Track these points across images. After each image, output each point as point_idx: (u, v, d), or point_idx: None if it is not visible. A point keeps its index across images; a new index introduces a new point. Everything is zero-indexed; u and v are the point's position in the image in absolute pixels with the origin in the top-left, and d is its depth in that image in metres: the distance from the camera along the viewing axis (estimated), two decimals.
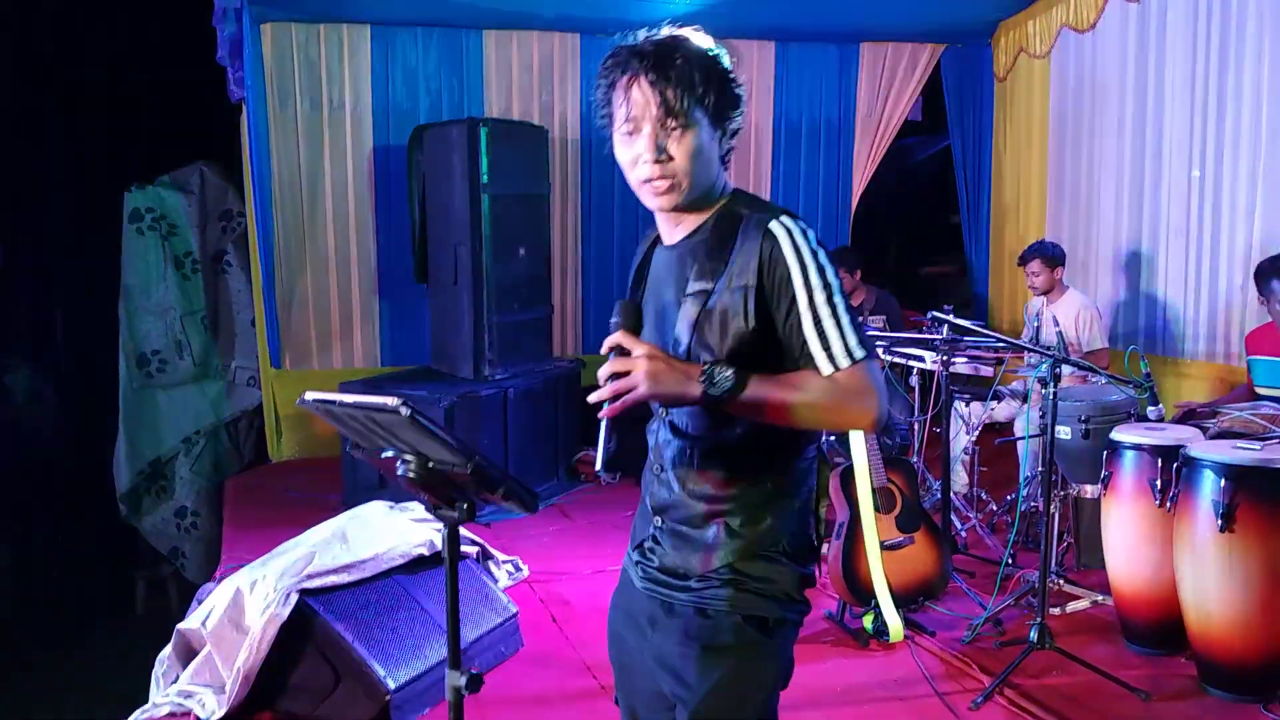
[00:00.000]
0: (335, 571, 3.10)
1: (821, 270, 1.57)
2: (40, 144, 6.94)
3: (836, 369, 1.56)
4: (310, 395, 1.55)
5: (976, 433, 5.01)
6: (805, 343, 1.56)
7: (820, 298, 1.56)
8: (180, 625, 3.16)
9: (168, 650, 3.23)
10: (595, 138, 7.09)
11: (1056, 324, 3.74)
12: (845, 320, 1.57)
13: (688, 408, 1.66)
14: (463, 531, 3.84)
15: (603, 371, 1.53)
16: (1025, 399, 5.18)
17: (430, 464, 1.49)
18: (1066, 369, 3.77)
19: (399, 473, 1.52)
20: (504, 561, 4.32)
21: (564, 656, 3.68)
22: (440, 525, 3.44)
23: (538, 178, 5.97)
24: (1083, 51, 6.59)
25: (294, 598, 2.98)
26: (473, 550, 3.76)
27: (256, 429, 7.44)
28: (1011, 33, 7.30)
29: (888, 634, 3.63)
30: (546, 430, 5.86)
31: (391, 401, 1.38)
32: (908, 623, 3.69)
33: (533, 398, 5.71)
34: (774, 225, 1.59)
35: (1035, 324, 4.45)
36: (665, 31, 1.65)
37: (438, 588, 3.40)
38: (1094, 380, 4.22)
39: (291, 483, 6.18)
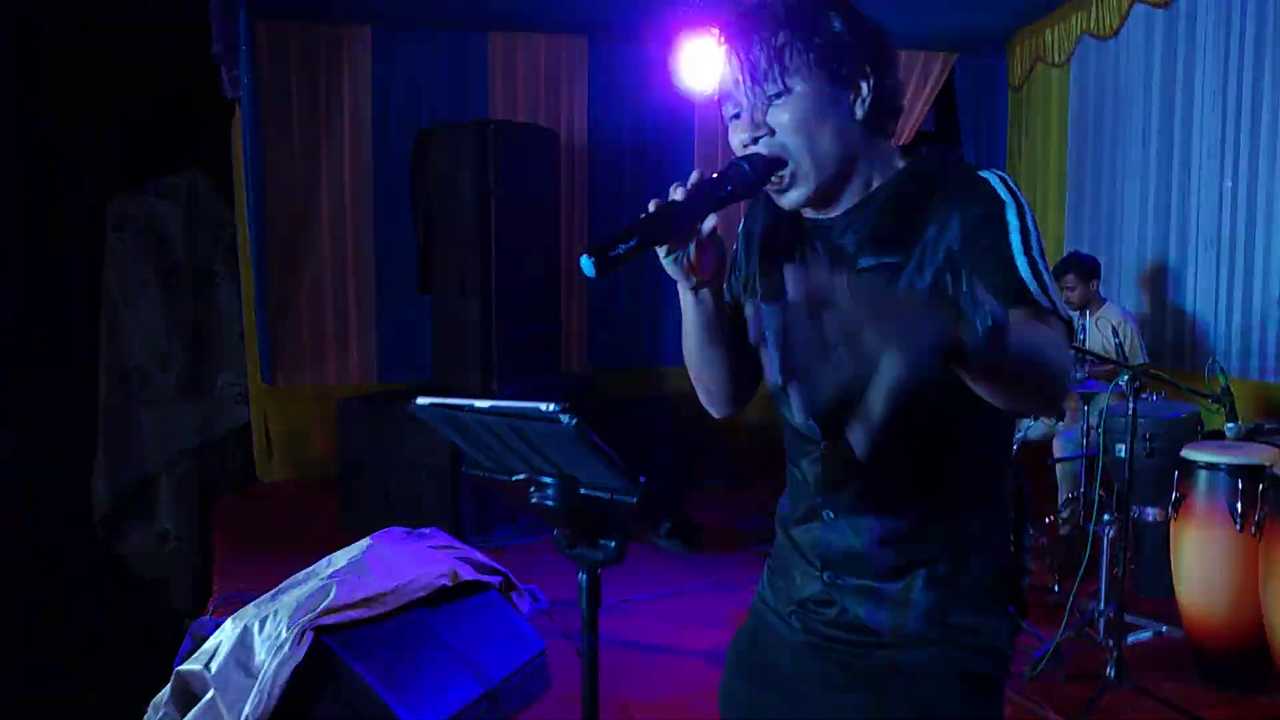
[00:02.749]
0: (354, 606, 2.81)
1: (1035, 225, 1.29)
2: (20, 146, 6.62)
3: (1055, 307, 1.25)
4: (424, 400, 1.26)
5: (1012, 451, 4.77)
6: (1016, 273, 1.24)
7: (1035, 245, 1.27)
8: (180, 667, 2.86)
9: (164, 694, 2.92)
10: (603, 143, 6.91)
11: (1116, 335, 3.51)
12: (1051, 286, 1.27)
13: (864, 432, 1.34)
14: (483, 559, 3.57)
15: None
16: (1061, 416, 4.96)
17: (581, 490, 1.19)
18: (1121, 380, 3.55)
19: (532, 500, 1.22)
20: (524, 591, 4.03)
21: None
22: (466, 554, 3.15)
23: (547, 184, 5.72)
24: (1105, 59, 6.42)
25: (310, 636, 2.68)
26: (496, 579, 3.47)
27: (245, 448, 7.12)
28: (1027, 41, 7.13)
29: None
30: None
31: (547, 407, 1.08)
32: None
33: None
34: (985, 173, 1.31)
35: (1080, 337, 4.23)
36: None
37: (462, 620, 3.12)
38: (1148, 396, 3.99)
39: (283, 505, 5.88)
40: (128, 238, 6.88)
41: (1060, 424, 4.95)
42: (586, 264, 1.22)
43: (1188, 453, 3.32)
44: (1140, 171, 6.18)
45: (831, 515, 1.44)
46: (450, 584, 3.13)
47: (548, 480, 1.20)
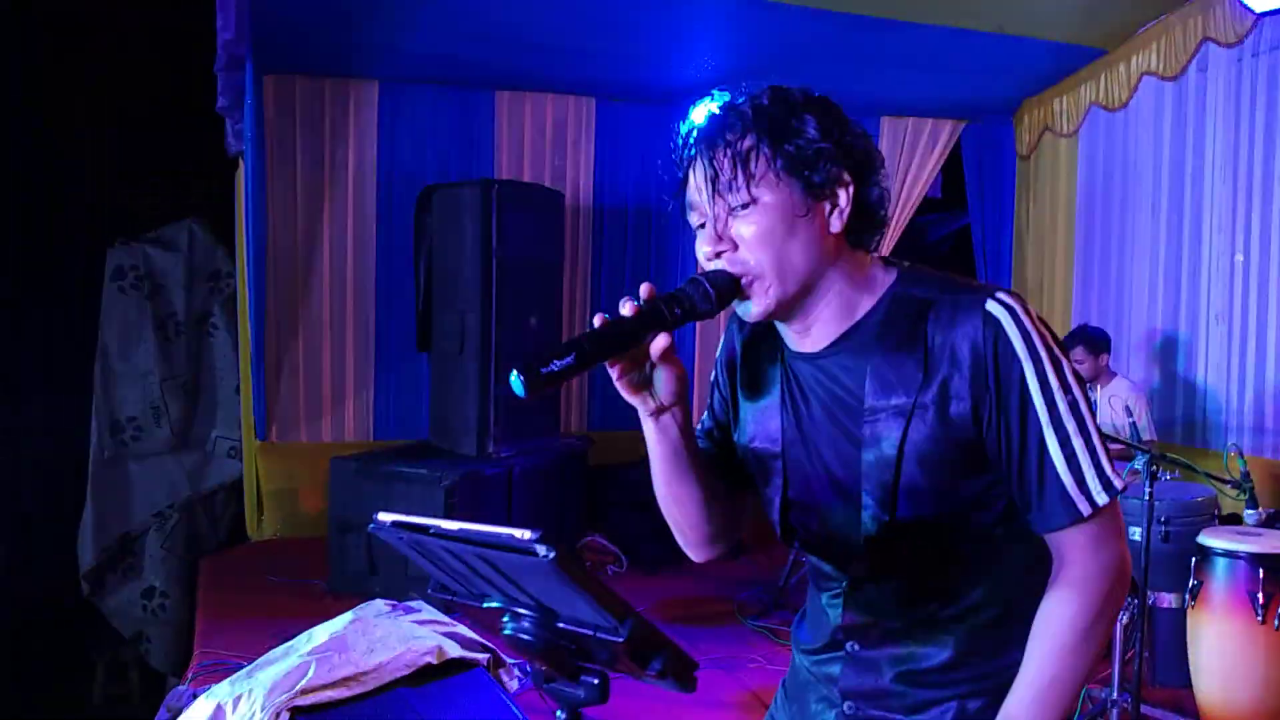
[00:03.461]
0: (333, 686, 2.68)
1: (1060, 369, 1.18)
2: (20, 191, 6.59)
3: (1095, 509, 1.18)
4: (386, 517, 1.13)
5: None
6: (1052, 475, 1.17)
7: (1064, 403, 1.17)
8: None
9: None
10: (609, 206, 6.87)
11: (1130, 414, 3.40)
12: (1095, 437, 1.19)
13: (892, 563, 1.26)
14: (470, 634, 3.43)
15: None
16: None
17: (560, 625, 1.07)
18: (1138, 463, 3.43)
19: (506, 631, 1.10)
20: (511, 664, 3.88)
21: None
22: (453, 629, 3.02)
23: (551, 244, 5.66)
24: (1114, 130, 6.41)
25: (285, 717, 2.55)
26: (483, 657, 3.33)
27: (235, 504, 6.98)
28: (1035, 110, 7.13)
29: None
30: (552, 512, 5.46)
31: (522, 534, 0.96)
32: None
33: (538, 477, 5.32)
34: (992, 306, 1.19)
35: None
36: (747, 89, 1.26)
37: (447, 700, 2.98)
38: (1163, 475, 3.87)
39: (272, 565, 5.73)
40: (126, 287, 6.82)
41: None
42: (516, 382, 1.10)
43: (1205, 539, 3.20)
44: (1150, 243, 6.13)
45: (855, 648, 1.34)
46: (435, 661, 3.00)
47: (524, 612, 1.08)
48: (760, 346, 1.38)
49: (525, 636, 1.08)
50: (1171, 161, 5.95)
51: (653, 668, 1.07)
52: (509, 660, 3.88)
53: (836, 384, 1.28)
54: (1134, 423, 3.27)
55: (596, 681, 1.11)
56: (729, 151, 1.20)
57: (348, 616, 3.04)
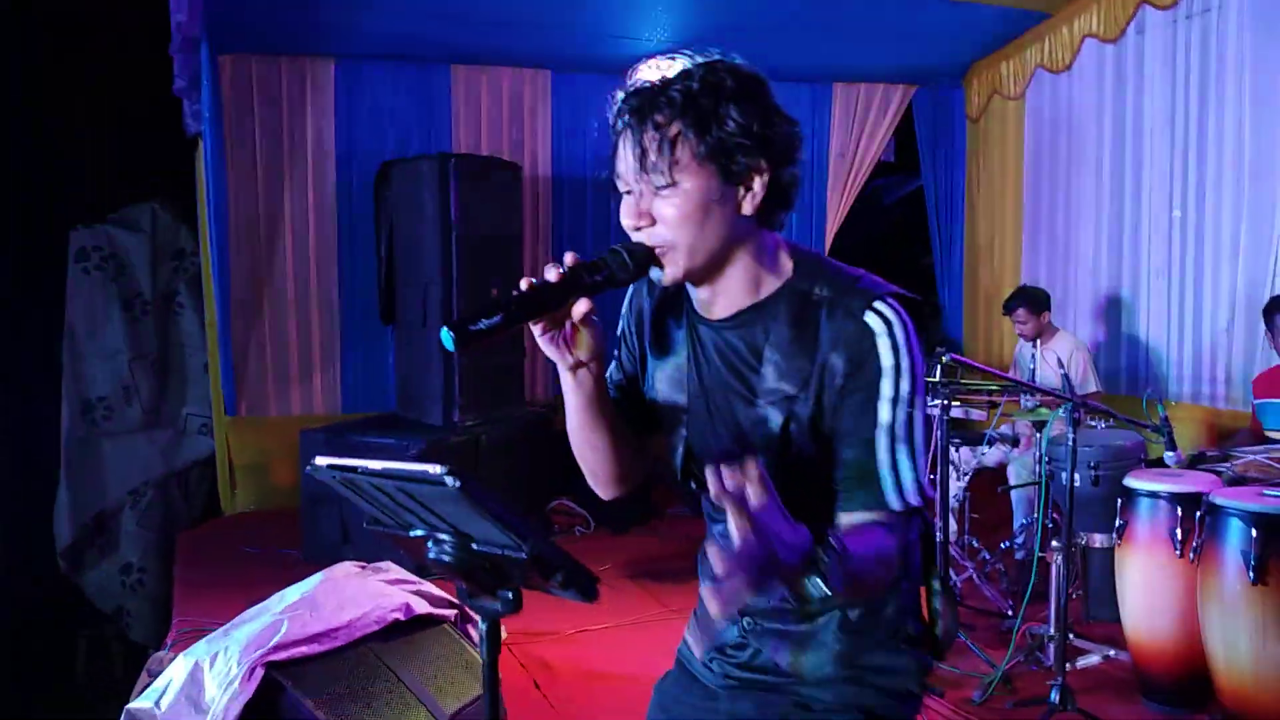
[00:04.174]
0: (305, 641, 2.82)
1: (913, 383, 1.33)
2: None
3: (905, 505, 1.34)
4: (323, 461, 1.28)
5: (967, 479, 4.84)
6: (874, 468, 1.33)
7: (903, 416, 1.33)
8: (130, 705, 2.85)
9: None
10: (567, 177, 6.97)
11: (1061, 365, 3.59)
12: (920, 449, 1.34)
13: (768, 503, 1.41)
14: (439, 592, 3.58)
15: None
16: (1015, 443, 5.05)
17: (474, 546, 1.24)
18: (1060, 412, 3.62)
19: (430, 555, 1.27)
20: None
21: None
22: (421, 587, 3.17)
23: (510, 216, 5.76)
24: (1058, 92, 6.58)
25: (260, 672, 2.69)
26: (450, 613, 3.48)
27: (209, 480, 7.07)
28: (984, 74, 7.28)
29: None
30: (520, 480, 5.60)
31: (434, 469, 1.12)
32: None
33: (505, 446, 5.45)
34: (870, 318, 1.33)
35: (1031, 366, 4.32)
36: (679, 63, 1.34)
37: (415, 655, 3.13)
38: (1096, 424, 4.08)
39: (247, 537, 5.84)
40: (90, 268, 6.86)
41: (1015, 451, 5.04)
42: (446, 337, 1.23)
43: (1130, 481, 3.39)
44: (1093, 202, 6.31)
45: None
46: (403, 618, 3.14)
47: (444, 538, 1.24)
48: (668, 309, 1.52)
49: (446, 558, 1.24)
50: (1113, 121, 6.12)
51: (555, 579, 1.24)
52: (475, 617, 4.05)
53: (734, 353, 1.42)
54: (1065, 374, 3.45)
55: (511, 595, 1.29)
56: (656, 135, 1.29)
57: (318, 577, 3.18)
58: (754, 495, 1.12)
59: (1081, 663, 3.69)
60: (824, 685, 1.46)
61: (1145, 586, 3.34)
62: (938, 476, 4.31)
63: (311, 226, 6.45)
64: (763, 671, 1.50)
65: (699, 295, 1.44)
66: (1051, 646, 3.59)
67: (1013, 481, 4.75)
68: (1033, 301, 5.00)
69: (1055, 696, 3.13)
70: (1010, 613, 4.22)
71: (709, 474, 1.15)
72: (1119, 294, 6.13)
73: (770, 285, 1.40)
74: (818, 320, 1.35)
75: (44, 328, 6.87)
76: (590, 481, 1.58)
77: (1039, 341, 4.97)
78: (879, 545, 1.32)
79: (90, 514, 7.06)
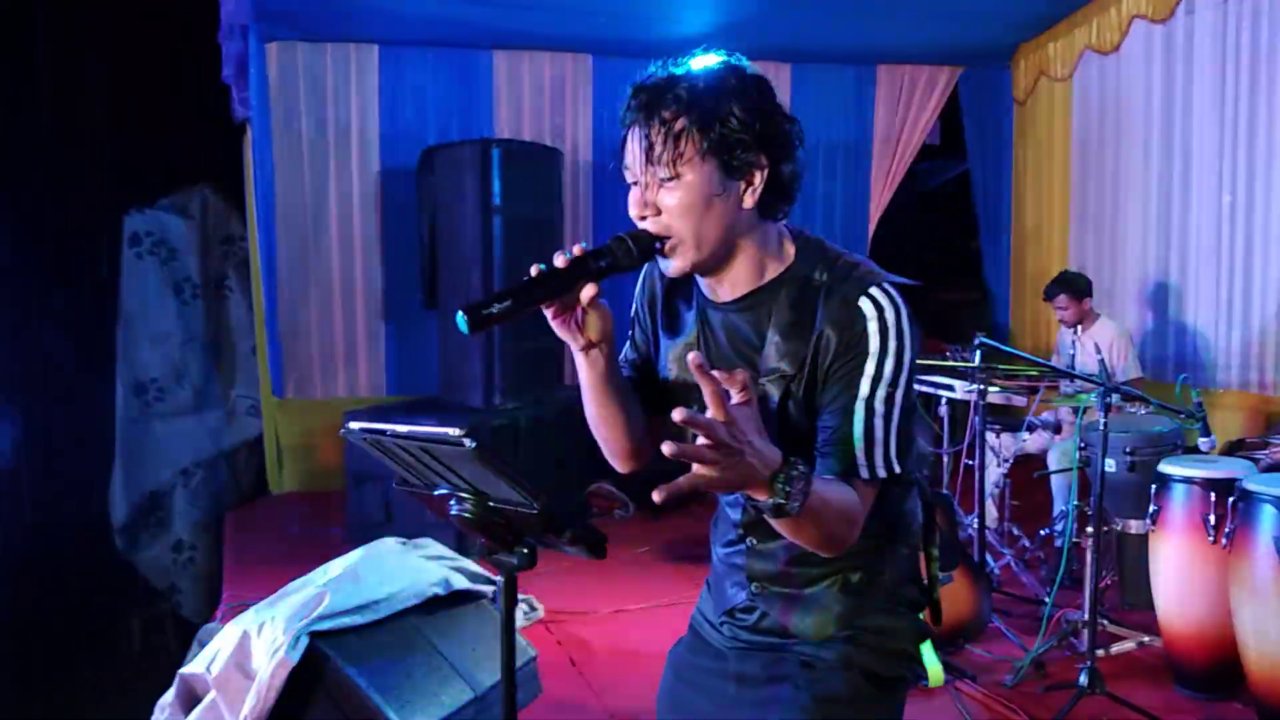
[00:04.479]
0: (348, 613, 2.91)
1: (899, 364, 1.39)
2: (39, 164, 6.78)
3: (873, 477, 1.40)
4: (355, 424, 1.36)
5: (1008, 465, 4.83)
6: (849, 435, 1.39)
7: (883, 394, 1.39)
8: (183, 670, 2.96)
9: (169, 696, 3.03)
10: (607, 161, 7.01)
11: (1098, 351, 3.57)
12: (896, 425, 1.40)
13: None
14: (477, 569, 3.66)
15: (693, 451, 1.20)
16: (1057, 430, 5.01)
17: (491, 504, 1.31)
18: (1093, 397, 3.60)
19: (452, 512, 1.34)
20: (519, 600, 4.12)
21: (585, 702, 3.48)
22: (460, 564, 3.25)
23: (550, 200, 5.82)
24: (1106, 74, 6.48)
25: (304, 641, 2.78)
26: (489, 589, 3.55)
27: (257, 460, 7.25)
28: (1031, 55, 7.19)
29: (926, 678, 3.42)
30: (558, 461, 5.67)
31: (454, 432, 1.20)
32: (946, 666, 3.49)
33: (544, 428, 5.52)
34: (864, 303, 1.40)
35: (1071, 352, 4.29)
36: (685, 64, 1.42)
37: (454, 629, 3.21)
38: (1135, 410, 4.04)
39: (293, 516, 5.99)
40: (143, 253, 7.05)
41: (1057, 437, 5.01)
42: (461, 320, 1.29)
43: (1164, 466, 3.37)
44: (1142, 185, 6.22)
45: (755, 542, 1.56)
46: (443, 593, 3.22)
47: (465, 496, 1.31)
48: (678, 292, 1.58)
49: (466, 515, 1.31)
50: (1162, 103, 6.03)
51: (565, 536, 1.31)
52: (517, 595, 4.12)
53: (739, 332, 1.49)
54: (1101, 360, 3.43)
55: (526, 550, 1.36)
56: (662, 130, 1.35)
57: (360, 551, 3.27)
58: (737, 395, 1.19)
59: (1116, 648, 3.69)
60: (825, 645, 1.52)
61: (1178, 572, 3.32)
62: (976, 463, 4.33)
63: (356, 211, 6.56)
64: (769, 634, 1.57)
65: (706, 280, 1.51)
66: (1086, 632, 3.59)
67: (1053, 468, 4.72)
68: (1073, 287, 4.96)
69: (1084, 680, 3.13)
70: (1049, 599, 4.21)
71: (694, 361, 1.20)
72: (1167, 279, 6.04)
73: (773, 270, 1.46)
74: (815, 303, 1.42)
75: (98, 311, 7.07)
76: (606, 456, 1.65)
77: (1080, 328, 4.93)
78: (845, 501, 1.36)
79: (143, 493, 7.27)
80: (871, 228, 7.51)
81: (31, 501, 7.21)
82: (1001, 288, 7.65)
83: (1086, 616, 3.45)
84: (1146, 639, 3.70)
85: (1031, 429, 4.81)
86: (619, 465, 1.65)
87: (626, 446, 1.60)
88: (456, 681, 3.03)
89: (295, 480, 6.64)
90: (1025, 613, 4.17)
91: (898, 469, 1.41)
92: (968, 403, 4.45)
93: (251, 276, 6.68)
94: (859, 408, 1.39)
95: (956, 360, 4.59)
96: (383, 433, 1.30)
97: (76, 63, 6.54)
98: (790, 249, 1.48)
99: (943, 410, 4.95)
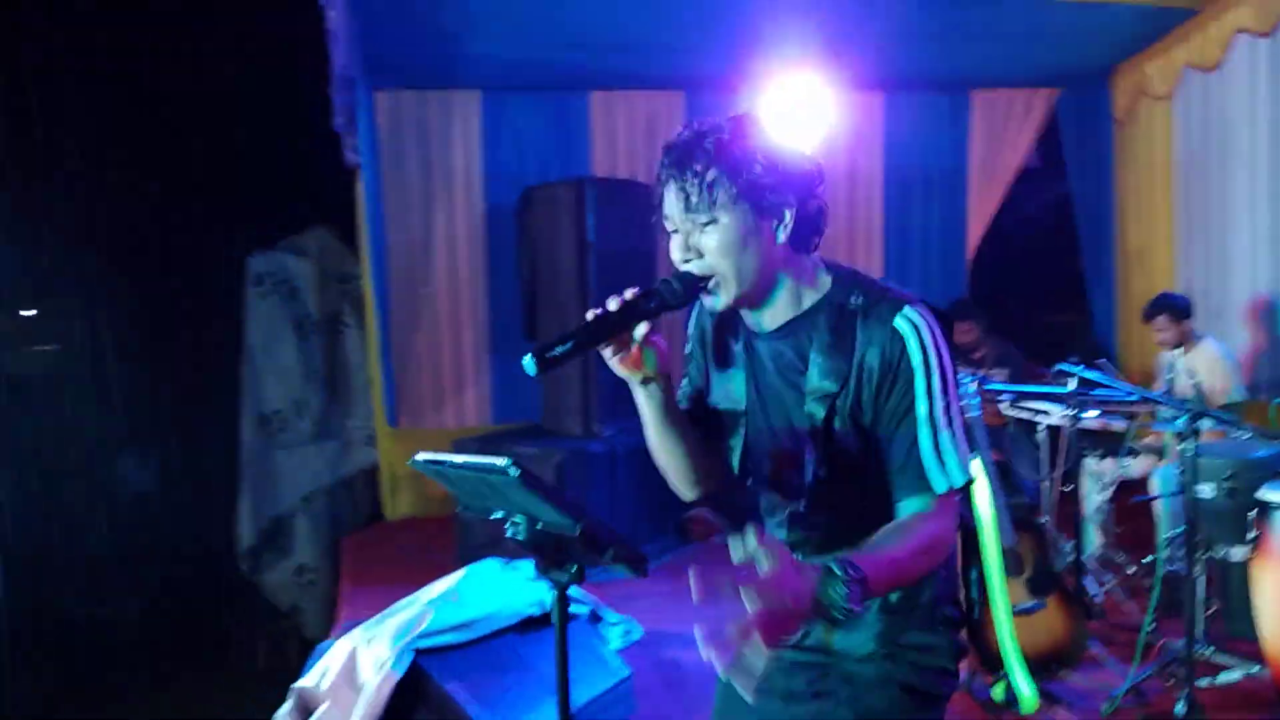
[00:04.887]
0: (449, 630, 3.09)
1: (944, 377, 1.51)
2: (170, 212, 7.31)
3: (951, 486, 1.50)
4: (422, 456, 1.53)
5: (1110, 490, 4.75)
6: (916, 455, 1.50)
7: (940, 407, 1.50)
8: (297, 684, 3.18)
9: (286, 708, 3.25)
10: None
11: (1192, 376, 3.53)
12: (959, 434, 1.51)
13: (825, 499, 1.59)
14: (573, 589, 3.80)
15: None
16: (1161, 454, 4.91)
17: (539, 525, 1.46)
18: (1206, 423, 3.56)
19: (507, 534, 1.49)
20: (615, 622, 4.24)
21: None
22: (579, 603, 3.40)
23: (645, 235, 5.97)
24: (1208, 91, 6.34)
25: (409, 656, 2.96)
26: (584, 610, 3.70)
27: (372, 487, 7.58)
28: (1130, 75, 7.07)
29: (1020, 704, 3.43)
30: (655, 488, 5.76)
31: (500, 462, 1.35)
32: (1041, 693, 3.48)
33: (641, 455, 5.57)
34: (900, 323, 1.51)
35: (1169, 376, 4.22)
36: (709, 123, 1.55)
37: (550, 649, 3.33)
38: (1240, 435, 3.96)
39: (406, 540, 6.24)
40: (266, 292, 7.48)
41: (1161, 462, 4.90)
42: (528, 363, 1.44)
43: (1263, 493, 3.31)
44: (1249, 203, 6.06)
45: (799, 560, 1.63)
46: (539, 613, 3.37)
47: (518, 519, 1.45)
48: (726, 328, 1.71)
49: (519, 537, 1.46)
50: (1268, 119, 5.86)
51: (606, 555, 1.43)
52: (613, 617, 4.26)
53: (783, 358, 1.60)
54: (1196, 384, 3.39)
55: (575, 568, 1.49)
56: (696, 180, 1.50)
57: (462, 572, 3.45)
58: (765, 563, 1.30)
59: (1222, 679, 3.61)
60: (866, 661, 1.61)
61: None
62: (1073, 489, 4.29)
63: (462, 249, 6.84)
64: (812, 651, 1.65)
65: (750, 313, 1.63)
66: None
67: (1152, 493, 4.63)
68: (1173, 309, 4.87)
69: (1180, 709, 3.09)
70: (1152, 627, 4.13)
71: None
72: (1277, 299, 5.86)
73: (811, 298, 1.59)
74: (854, 325, 1.53)
75: (224, 347, 7.53)
76: (671, 483, 1.78)
77: (1182, 351, 4.83)
78: (921, 537, 1.46)
79: (267, 519, 7.67)
80: (969, 255, 7.46)
81: (165, 526, 7.68)
82: (1106, 310, 7.50)
83: (1184, 643, 3.40)
84: (1255, 669, 3.60)
85: (1133, 454, 4.72)
86: (683, 492, 1.78)
87: (689, 475, 1.73)
88: (550, 698, 3.16)
89: (408, 506, 6.90)
90: (1128, 641, 4.09)
91: (971, 474, 1.50)
92: (1064, 428, 4.41)
93: (366, 312, 7.02)
94: (923, 427, 1.49)
95: (1054, 385, 4.55)
96: (443, 463, 1.46)
97: (202, 116, 7.03)
98: (825, 279, 1.60)
99: (1041, 436, 4.91)
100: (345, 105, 5.82)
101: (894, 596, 1.60)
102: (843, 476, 1.55)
